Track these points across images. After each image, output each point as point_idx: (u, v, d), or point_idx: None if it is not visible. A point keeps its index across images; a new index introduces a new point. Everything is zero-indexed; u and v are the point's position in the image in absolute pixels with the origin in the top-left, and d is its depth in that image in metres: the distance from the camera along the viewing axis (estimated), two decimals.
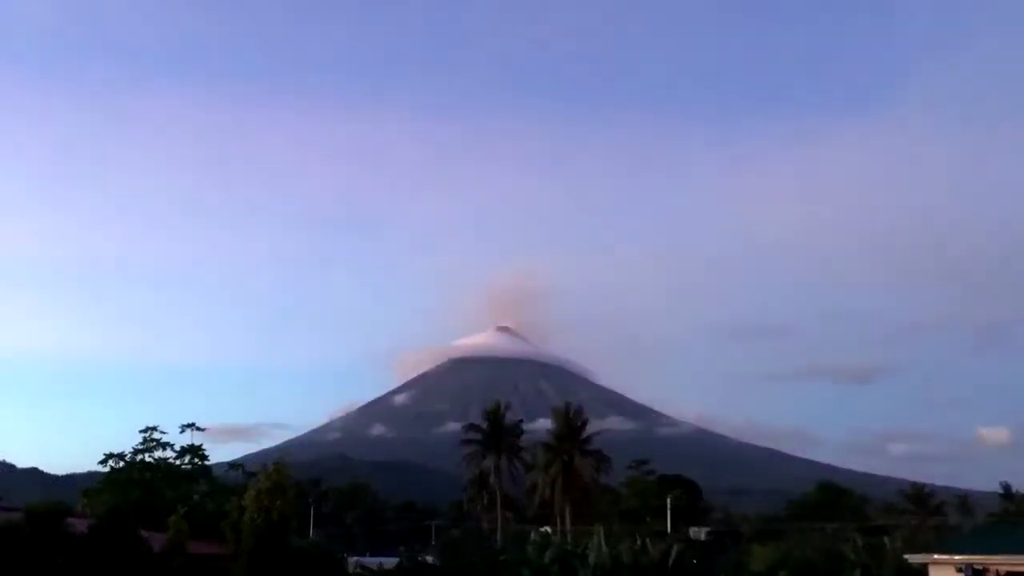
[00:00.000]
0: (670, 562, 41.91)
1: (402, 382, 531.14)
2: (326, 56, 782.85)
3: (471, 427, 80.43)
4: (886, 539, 51.67)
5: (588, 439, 74.97)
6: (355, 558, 52.45)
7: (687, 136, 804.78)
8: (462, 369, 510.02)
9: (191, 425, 57.22)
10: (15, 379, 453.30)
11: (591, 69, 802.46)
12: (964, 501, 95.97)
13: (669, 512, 79.79)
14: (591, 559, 41.98)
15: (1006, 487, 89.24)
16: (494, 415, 77.85)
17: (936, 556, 33.43)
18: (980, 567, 31.19)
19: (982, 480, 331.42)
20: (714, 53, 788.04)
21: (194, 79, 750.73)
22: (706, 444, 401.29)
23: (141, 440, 55.42)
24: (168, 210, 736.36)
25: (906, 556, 37.03)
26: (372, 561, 51.75)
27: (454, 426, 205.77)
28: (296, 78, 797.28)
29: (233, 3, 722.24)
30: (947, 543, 41.11)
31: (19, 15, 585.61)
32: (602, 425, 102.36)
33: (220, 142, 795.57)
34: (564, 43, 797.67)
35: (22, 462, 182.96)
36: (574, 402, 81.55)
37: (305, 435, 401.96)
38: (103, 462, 54.87)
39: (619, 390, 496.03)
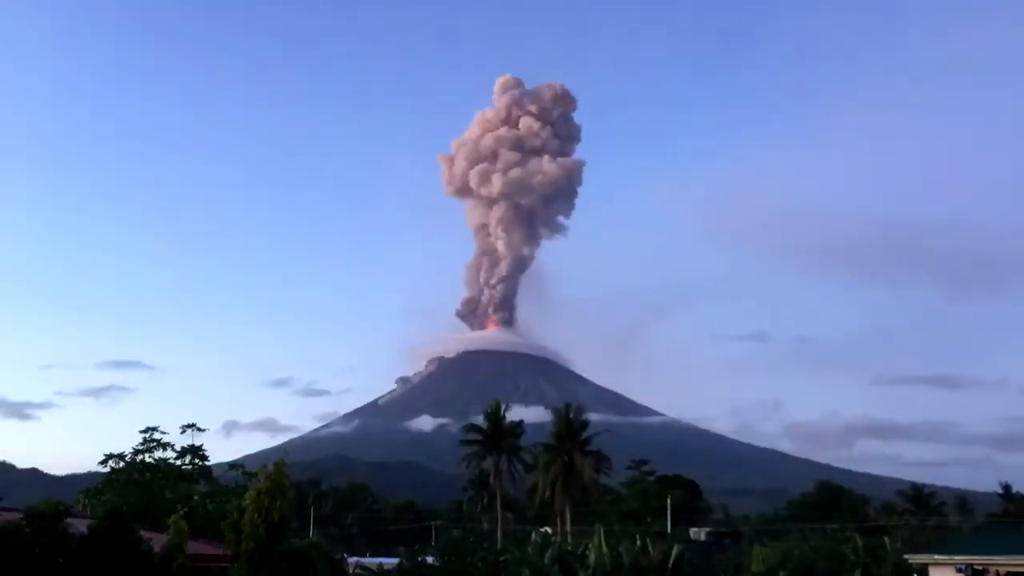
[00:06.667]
0: (670, 563, 41.92)
1: (402, 382, 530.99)
2: None
3: (471, 427, 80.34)
4: (886, 539, 51.93)
5: (588, 439, 74.87)
6: (355, 559, 52.22)
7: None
8: (462, 368, 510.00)
9: (191, 425, 57.38)
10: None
11: None
12: (964, 501, 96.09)
13: (669, 512, 79.79)
14: (591, 559, 41.95)
15: (1006, 487, 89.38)
16: (494, 415, 77.72)
17: (936, 556, 33.56)
18: (980, 567, 31.29)
19: (982, 480, 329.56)
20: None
21: None
22: (705, 443, 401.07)
23: (141, 440, 55.60)
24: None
25: (906, 556, 37.18)
26: (372, 562, 51.65)
27: (454, 426, 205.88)
28: None
29: None
30: (947, 543, 41.28)
31: None
32: (601, 423, 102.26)
33: None
34: None
35: (22, 462, 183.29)
36: (574, 402, 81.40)
37: (305, 435, 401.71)
38: (103, 462, 55.03)
39: (617, 389, 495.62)
